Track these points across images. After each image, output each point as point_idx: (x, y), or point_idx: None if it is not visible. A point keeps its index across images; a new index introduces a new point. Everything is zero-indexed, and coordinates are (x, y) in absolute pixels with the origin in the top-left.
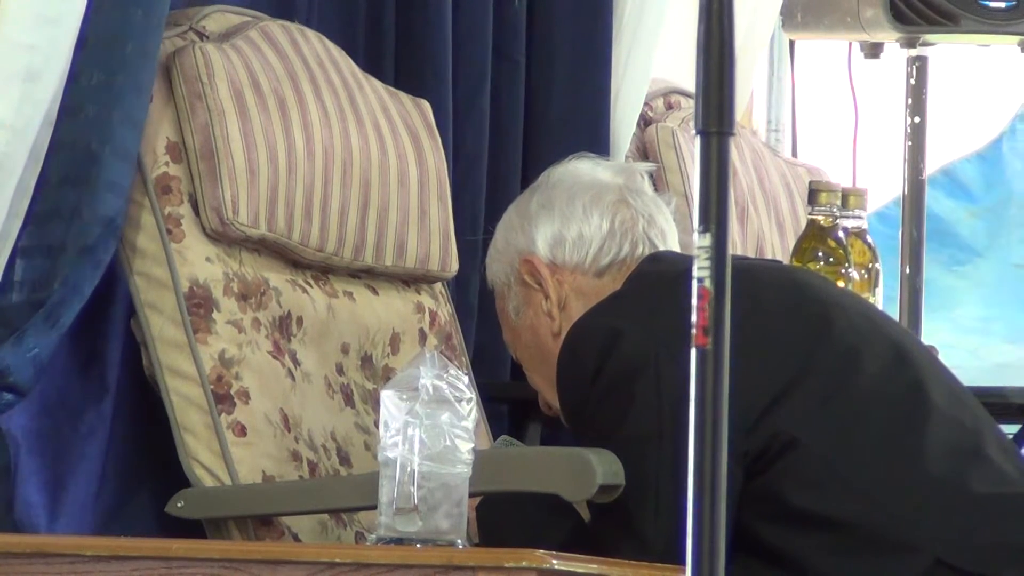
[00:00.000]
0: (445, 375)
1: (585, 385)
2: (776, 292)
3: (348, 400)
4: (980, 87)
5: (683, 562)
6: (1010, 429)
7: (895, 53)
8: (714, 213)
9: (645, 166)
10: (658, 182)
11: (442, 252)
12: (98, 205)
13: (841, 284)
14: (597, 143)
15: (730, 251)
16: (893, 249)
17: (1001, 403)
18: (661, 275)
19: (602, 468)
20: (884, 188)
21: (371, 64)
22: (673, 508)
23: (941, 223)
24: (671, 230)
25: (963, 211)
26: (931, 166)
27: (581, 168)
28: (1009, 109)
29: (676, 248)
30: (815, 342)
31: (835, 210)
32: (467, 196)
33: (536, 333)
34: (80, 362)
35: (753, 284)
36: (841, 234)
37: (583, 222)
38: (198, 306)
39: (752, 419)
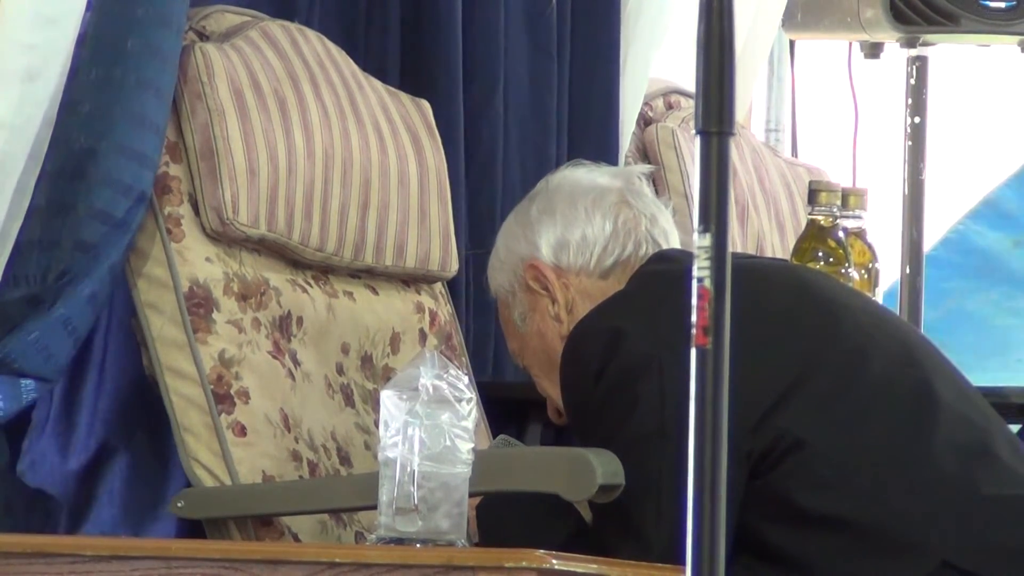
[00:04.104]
0: (445, 375)
1: (588, 385)
2: (782, 291)
3: (348, 400)
4: (1011, 104)
5: (683, 562)
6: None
7: (895, 53)
8: (714, 213)
9: (642, 169)
10: (658, 182)
11: (442, 252)
12: (94, 200)
13: None
14: (606, 143)
15: (730, 251)
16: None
17: (1001, 403)
18: (664, 274)
19: (602, 468)
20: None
21: (372, 64)
22: (675, 508)
23: (988, 258)
24: (672, 230)
25: (1008, 241)
26: (972, 198)
27: (579, 174)
28: None
29: (677, 247)
30: (821, 342)
31: (835, 210)
32: (483, 196)
33: (544, 338)
34: None
35: (759, 283)
36: (841, 234)
37: (586, 224)
38: (198, 306)
39: (756, 418)
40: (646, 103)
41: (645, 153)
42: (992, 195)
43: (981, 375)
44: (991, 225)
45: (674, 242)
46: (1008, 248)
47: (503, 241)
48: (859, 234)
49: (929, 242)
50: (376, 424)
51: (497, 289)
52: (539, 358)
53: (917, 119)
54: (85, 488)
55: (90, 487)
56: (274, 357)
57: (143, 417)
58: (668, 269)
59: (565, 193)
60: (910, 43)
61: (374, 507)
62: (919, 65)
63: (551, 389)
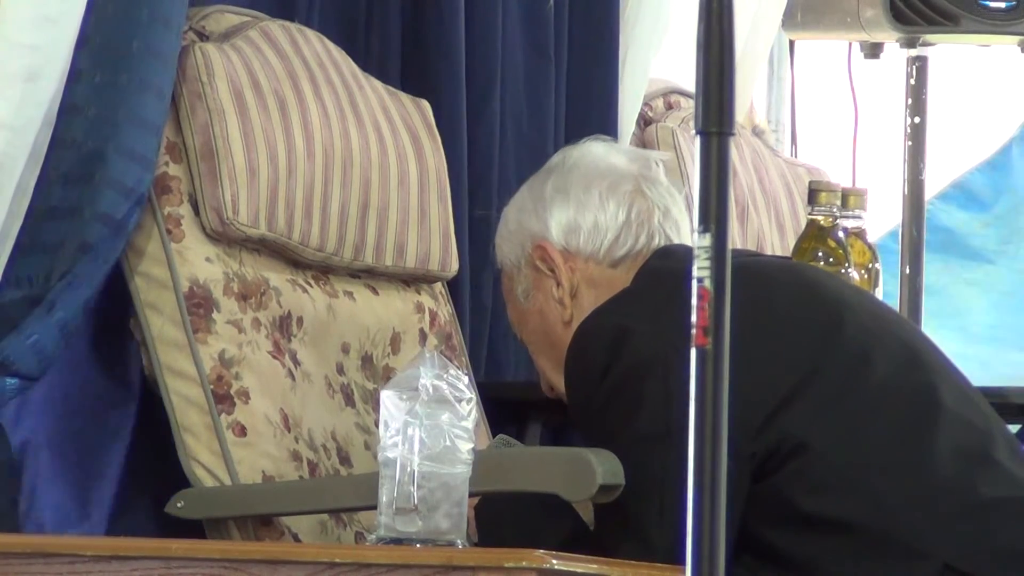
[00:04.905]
0: (445, 375)
1: (593, 384)
2: (787, 291)
3: (348, 400)
4: (986, 93)
5: (684, 562)
6: (1010, 429)
7: (895, 53)
8: (714, 213)
9: (660, 155)
10: None
11: (442, 252)
12: (99, 203)
13: None
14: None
15: (730, 251)
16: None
17: (1001, 403)
18: (670, 272)
19: (602, 468)
20: (881, 219)
21: (372, 64)
22: (678, 509)
23: (954, 235)
24: (684, 221)
25: (976, 222)
26: (942, 181)
27: (596, 152)
28: (1017, 114)
29: (689, 238)
30: (825, 343)
31: (835, 210)
32: (479, 196)
33: (545, 318)
34: (106, 363)
35: (763, 282)
36: (841, 234)
37: (599, 210)
38: (198, 306)
39: (760, 420)
40: (646, 103)
41: None
42: (962, 179)
43: (936, 334)
44: (960, 206)
45: (685, 233)
46: (975, 229)
47: (514, 212)
48: (859, 234)
49: (894, 219)
50: (376, 424)
51: (503, 260)
52: (537, 336)
53: (917, 119)
54: (9, 485)
55: (14, 484)
56: (274, 357)
57: (70, 415)
58: (674, 267)
59: (581, 174)
60: (910, 43)
61: (374, 507)
62: (919, 65)
63: (546, 365)
